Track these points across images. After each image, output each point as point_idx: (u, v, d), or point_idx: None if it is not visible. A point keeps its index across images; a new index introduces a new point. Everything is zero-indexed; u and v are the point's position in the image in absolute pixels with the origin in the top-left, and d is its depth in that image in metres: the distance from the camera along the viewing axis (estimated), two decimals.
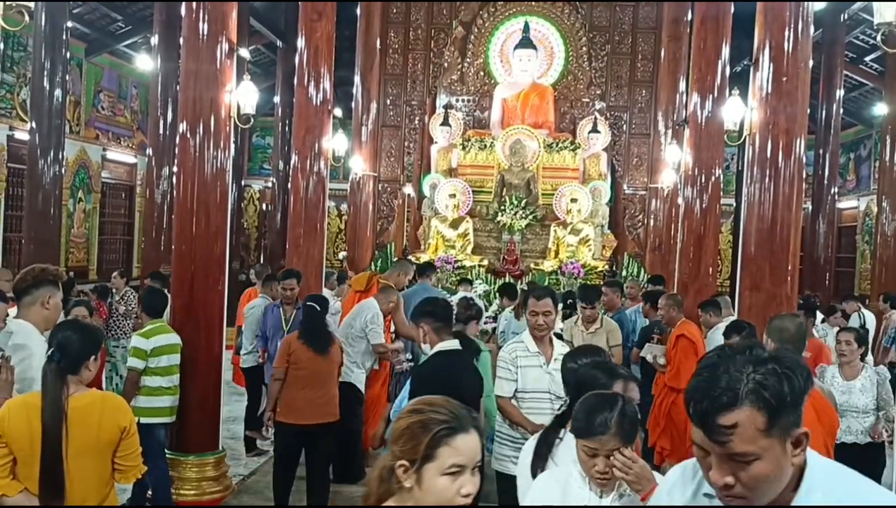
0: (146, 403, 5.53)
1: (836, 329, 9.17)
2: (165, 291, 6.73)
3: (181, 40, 6.39)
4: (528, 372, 4.40)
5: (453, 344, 4.32)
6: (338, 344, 5.87)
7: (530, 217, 13.50)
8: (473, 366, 4.51)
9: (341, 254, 14.49)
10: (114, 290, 9.23)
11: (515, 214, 13.41)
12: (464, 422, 1.89)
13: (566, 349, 4.24)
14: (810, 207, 14.80)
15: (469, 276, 12.01)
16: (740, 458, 1.53)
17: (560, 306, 9.86)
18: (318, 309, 5.82)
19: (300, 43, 8.88)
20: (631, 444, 2.51)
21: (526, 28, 14.87)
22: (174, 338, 5.78)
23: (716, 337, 6.75)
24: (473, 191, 13.89)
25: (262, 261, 18.54)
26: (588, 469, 2.51)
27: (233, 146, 6.49)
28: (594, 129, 14.53)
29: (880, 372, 5.55)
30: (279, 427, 5.67)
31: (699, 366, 1.63)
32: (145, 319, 5.87)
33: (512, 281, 12.54)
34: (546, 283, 12.22)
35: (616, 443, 2.47)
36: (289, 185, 9.52)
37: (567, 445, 2.81)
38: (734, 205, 16.45)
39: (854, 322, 9.76)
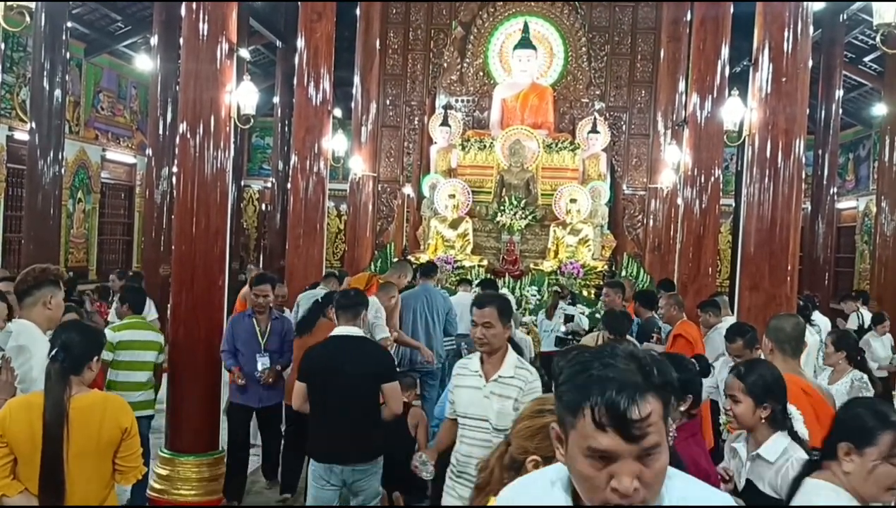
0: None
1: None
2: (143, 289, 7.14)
3: (181, 40, 6.39)
4: (462, 394, 3.86)
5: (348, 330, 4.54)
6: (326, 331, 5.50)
7: (530, 217, 13.51)
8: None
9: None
10: (112, 291, 9.25)
11: (515, 214, 13.41)
12: None
13: (525, 369, 3.78)
14: (809, 207, 14.80)
15: (468, 277, 12.01)
16: (650, 451, 1.44)
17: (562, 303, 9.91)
18: (321, 301, 6.39)
19: (300, 43, 8.90)
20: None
21: (525, 28, 14.87)
22: (148, 335, 5.94)
23: (715, 338, 6.76)
24: (473, 192, 13.89)
25: (258, 263, 18.56)
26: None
27: (233, 146, 6.49)
28: (593, 130, 14.54)
29: (856, 379, 5.42)
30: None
31: (571, 370, 1.50)
32: (126, 314, 6.06)
33: (511, 281, 12.57)
34: (545, 284, 12.23)
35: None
36: (288, 186, 9.55)
37: None
38: (733, 205, 16.45)
39: (853, 322, 9.76)
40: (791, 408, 3.13)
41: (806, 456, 2.91)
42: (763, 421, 3.06)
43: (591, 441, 1.45)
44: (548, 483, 1.62)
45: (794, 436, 3.07)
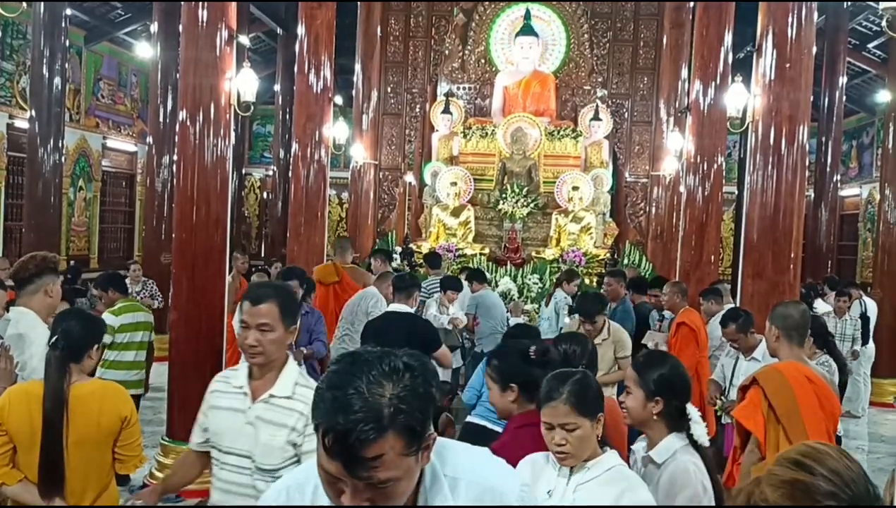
0: (112, 377, 5.73)
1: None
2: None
3: (181, 28, 6.36)
4: (217, 418, 2.88)
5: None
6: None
7: (532, 205, 13.47)
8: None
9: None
10: (129, 281, 9.16)
11: (517, 202, 13.38)
12: (856, 500, 1.46)
13: (310, 387, 2.69)
14: (812, 195, 14.76)
15: (470, 265, 11.99)
16: (382, 485, 1.40)
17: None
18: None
19: (300, 30, 8.85)
20: (592, 418, 2.48)
21: (527, 15, 14.80)
22: (140, 317, 6.39)
23: (717, 326, 6.75)
24: (475, 179, 13.85)
25: (259, 252, 18.57)
26: (549, 445, 2.50)
27: (233, 134, 6.47)
28: (596, 117, 14.48)
29: (821, 363, 5.38)
30: None
31: (326, 378, 1.44)
32: (117, 297, 6.39)
33: (514, 269, 12.54)
34: (547, 272, 12.19)
35: (570, 414, 2.45)
36: (290, 174, 9.51)
37: None
38: (736, 193, 16.41)
39: (855, 309, 9.75)
40: (692, 410, 2.81)
41: (700, 463, 2.70)
42: (655, 417, 2.79)
43: (322, 460, 1.41)
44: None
45: (693, 443, 2.77)
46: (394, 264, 11.28)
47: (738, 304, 6.37)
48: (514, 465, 2.45)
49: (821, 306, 9.58)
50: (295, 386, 2.77)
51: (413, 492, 1.52)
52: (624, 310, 7.49)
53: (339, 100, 16.35)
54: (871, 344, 9.78)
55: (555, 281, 10.10)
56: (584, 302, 6.09)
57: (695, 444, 2.76)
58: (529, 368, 3.02)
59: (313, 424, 1.42)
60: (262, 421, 2.72)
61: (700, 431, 2.77)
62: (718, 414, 5.68)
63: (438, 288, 8.41)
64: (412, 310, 5.68)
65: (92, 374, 3.32)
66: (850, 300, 9.40)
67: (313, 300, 6.75)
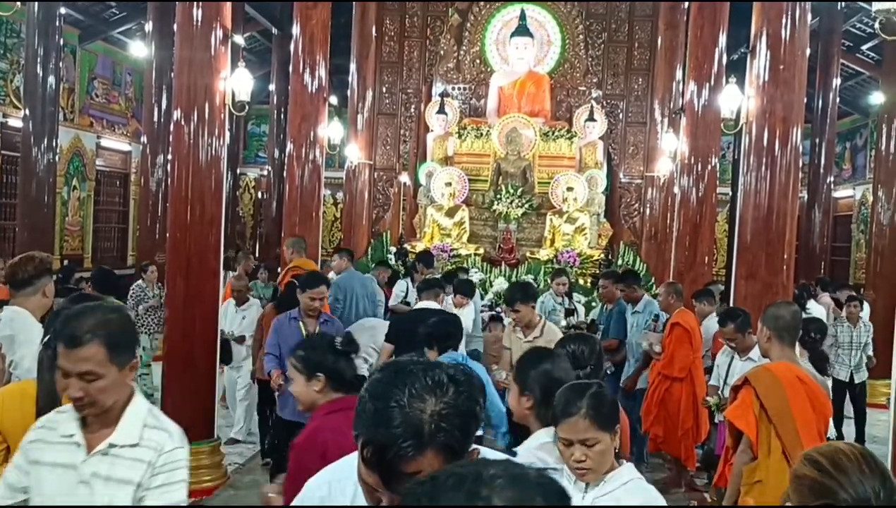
0: None
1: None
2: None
3: (175, 27, 6.35)
4: (43, 475, 2.26)
5: None
6: None
7: (526, 205, 13.48)
8: None
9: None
10: (144, 283, 9.13)
11: (511, 203, 13.39)
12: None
13: (162, 429, 2.34)
14: (806, 196, 14.81)
15: (465, 265, 12.00)
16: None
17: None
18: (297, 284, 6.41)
19: (295, 30, 8.85)
20: (611, 431, 2.43)
21: (522, 16, 14.82)
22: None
23: (710, 326, 6.78)
24: (469, 180, 13.86)
25: (254, 251, 18.54)
26: (566, 461, 2.44)
27: (227, 133, 6.47)
28: (590, 118, 14.50)
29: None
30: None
31: (369, 387, 1.43)
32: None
33: (508, 269, 12.56)
34: (542, 273, 12.21)
35: (589, 429, 2.39)
36: (284, 174, 9.51)
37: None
38: (730, 194, 16.44)
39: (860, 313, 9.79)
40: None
41: (551, 462, 2.57)
42: (527, 411, 2.81)
43: (361, 470, 1.41)
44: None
45: None
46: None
47: (731, 305, 6.40)
48: (325, 449, 2.42)
49: (814, 307, 9.59)
50: (143, 429, 2.27)
51: None
52: (619, 312, 7.50)
53: (333, 100, 16.33)
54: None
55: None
56: (510, 291, 5.91)
57: None
58: (336, 358, 3.08)
59: (354, 434, 1.40)
60: (99, 479, 2.19)
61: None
62: (713, 410, 5.71)
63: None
64: (440, 307, 6.03)
65: None
66: (862, 304, 9.08)
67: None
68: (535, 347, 3.35)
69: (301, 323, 5.47)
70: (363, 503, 1.49)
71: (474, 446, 1.48)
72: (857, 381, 8.65)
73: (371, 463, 1.38)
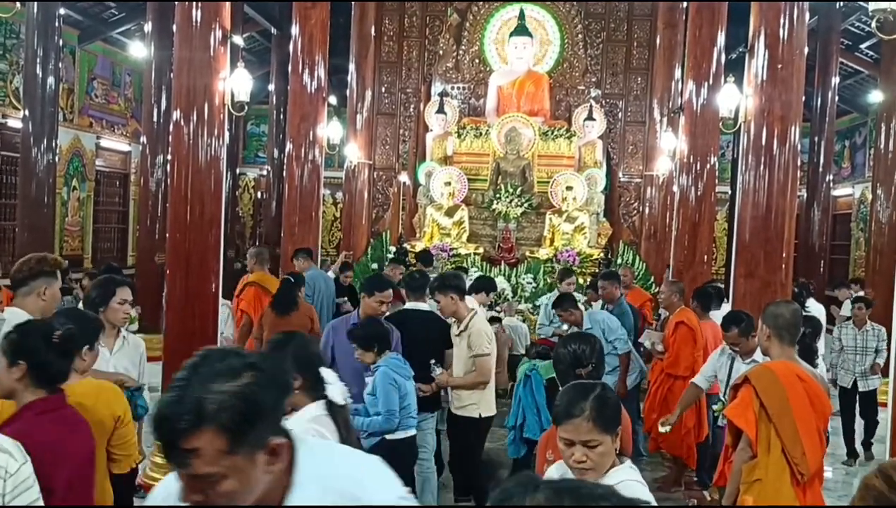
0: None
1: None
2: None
3: (174, 28, 6.36)
4: None
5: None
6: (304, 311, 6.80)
7: (525, 205, 13.48)
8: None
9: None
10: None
11: (511, 202, 13.39)
12: None
13: (5, 451, 2.22)
14: (805, 195, 14.82)
15: (464, 264, 12.01)
16: (204, 479, 1.46)
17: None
18: (293, 281, 6.87)
19: (294, 30, 8.86)
20: (613, 433, 2.44)
21: (521, 15, 14.82)
22: None
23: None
24: (469, 179, 13.86)
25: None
26: (566, 460, 2.44)
27: (227, 134, 6.48)
28: (589, 117, 14.50)
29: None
30: None
31: (181, 372, 1.52)
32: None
33: (508, 269, 12.56)
34: (541, 272, 12.22)
35: (592, 431, 2.39)
36: (284, 174, 9.52)
37: None
38: (730, 192, 16.44)
39: (846, 309, 9.77)
40: (327, 374, 2.87)
41: (328, 435, 2.70)
42: (297, 391, 2.78)
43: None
44: None
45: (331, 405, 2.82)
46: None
47: (731, 303, 6.41)
48: (32, 453, 2.29)
49: (813, 306, 9.58)
50: None
51: (280, 493, 1.58)
52: (621, 312, 7.50)
53: (333, 99, 16.35)
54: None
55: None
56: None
57: (332, 406, 2.81)
58: (47, 351, 2.74)
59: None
60: None
61: (334, 392, 2.82)
62: (717, 415, 5.69)
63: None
64: (429, 307, 5.81)
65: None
66: (868, 306, 8.39)
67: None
68: (284, 333, 3.26)
69: None
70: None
71: (282, 439, 1.55)
72: (860, 389, 7.91)
73: (156, 438, 1.48)
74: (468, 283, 7.89)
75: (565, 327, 7.95)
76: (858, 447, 7.85)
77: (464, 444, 5.65)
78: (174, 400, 1.46)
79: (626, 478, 2.47)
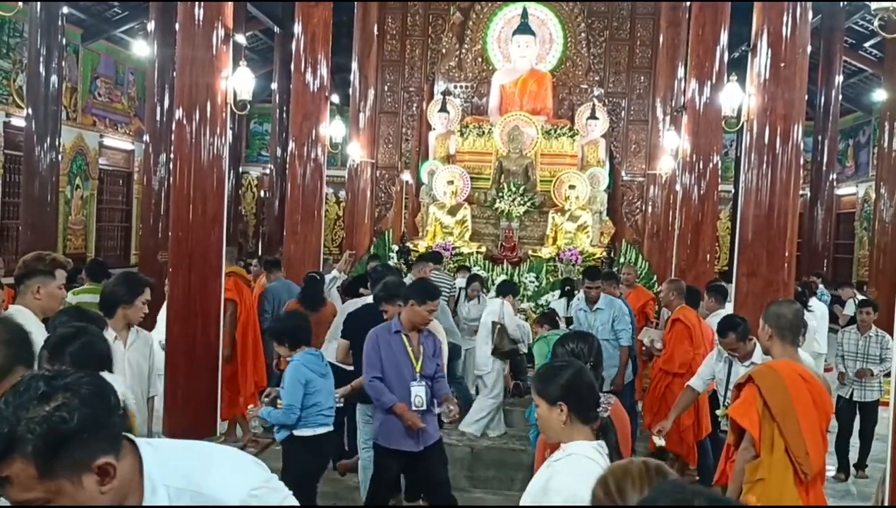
0: None
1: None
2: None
3: (177, 26, 6.36)
4: None
5: None
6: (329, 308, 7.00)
7: (528, 204, 13.47)
8: None
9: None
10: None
11: (513, 201, 13.38)
12: None
13: None
14: (809, 194, 14.81)
15: (467, 263, 12.01)
16: (27, 504, 1.46)
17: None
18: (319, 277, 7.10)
19: (297, 29, 8.86)
20: (549, 402, 2.69)
21: (524, 14, 14.80)
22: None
23: (714, 323, 6.76)
24: (471, 178, 13.85)
25: (256, 250, 18.55)
26: None
27: (229, 132, 6.49)
28: (592, 116, 14.48)
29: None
30: None
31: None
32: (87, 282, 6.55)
33: (510, 268, 12.56)
34: (543, 270, 12.22)
35: (534, 392, 2.75)
36: (286, 172, 9.52)
37: None
38: (733, 191, 16.42)
39: (850, 308, 9.76)
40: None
41: None
42: None
43: None
44: None
45: None
46: (391, 262, 11.30)
47: (733, 302, 6.40)
48: None
49: (816, 305, 9.55)
50: None
51: (138, 500, 1.58)
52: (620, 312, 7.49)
53: (335, 98, 16.33)
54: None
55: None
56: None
57: None
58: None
59: None
60: None
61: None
62: (720, 418, 5.66)
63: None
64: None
65: None
66: (876, 310, 7.62)
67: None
68: (64, 333, 3.06)
69: (405, 338, 4.89)
70: None
71: (110, 458, 1.51)
72: (856, 399, 7.22)
73: None
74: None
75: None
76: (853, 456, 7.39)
77: None
78: None
79: (575, 452, 2.62)
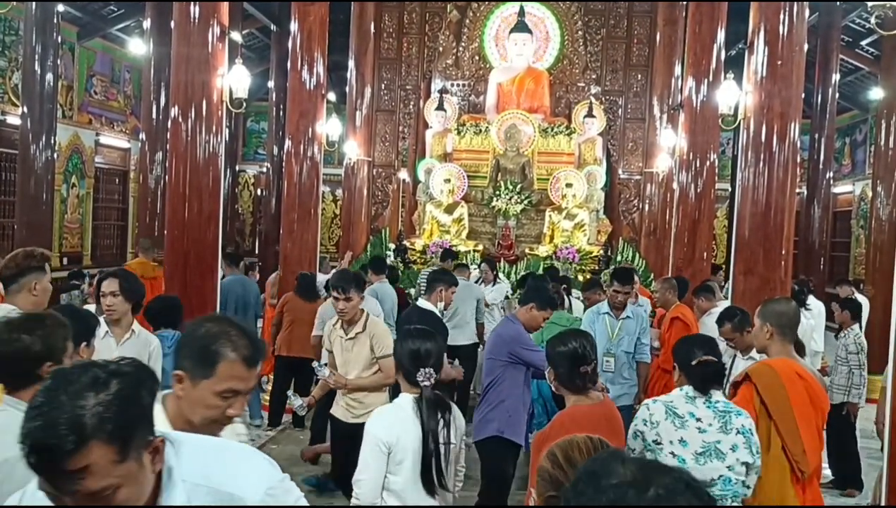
0: None
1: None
2: None
3: (173, 24, 6.34)
4: None
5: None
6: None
7: (525, 202, 13.47)
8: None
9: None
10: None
11: (510, 199, 13.38)
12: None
13: None
14: (805, 192, 14.81)
15: (464, 261, 12.00)
16: (98, 494, 1.42)
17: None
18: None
19: (294, 27, 8.84)
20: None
21: (521, 12, 14.80)
22: None
23: (708, 322, 6.76)
24: (468, 176, 13.85)
25: (253, 248, 18.52)
26: None
27: (225, 130, 6.47)
28: (589, 114, 14.48)
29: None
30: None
31: (33, 398, 1.45)
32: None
33: (508, 266, 12.56)
34: (541, 269, 12.21)
35: None
36: (283, 170, 9.50)
37: None
38: (730, 189, 16.42)
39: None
40: None
41: None
42: None
43: (39, 481, 1.43)
44: None
45: None
46: (389, 261, 11.29)
47: (730, 300, 6.39)
48: None
49: (814, 303, 9.54)
50: None
51: (153, 493, 1.56)
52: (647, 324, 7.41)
53: (332, 96, 16.33)
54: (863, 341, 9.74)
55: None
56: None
57: None
58: None
59: (21, 448, 1.41)
60: None
61: None
62: None
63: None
64: (432, 307, 6.19)
65: None
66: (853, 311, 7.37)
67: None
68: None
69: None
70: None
71: (159, 435, 1.53)
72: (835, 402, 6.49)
73: (38, 469, 1.40)
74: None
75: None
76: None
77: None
78: (45, 426, 1.38)
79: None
